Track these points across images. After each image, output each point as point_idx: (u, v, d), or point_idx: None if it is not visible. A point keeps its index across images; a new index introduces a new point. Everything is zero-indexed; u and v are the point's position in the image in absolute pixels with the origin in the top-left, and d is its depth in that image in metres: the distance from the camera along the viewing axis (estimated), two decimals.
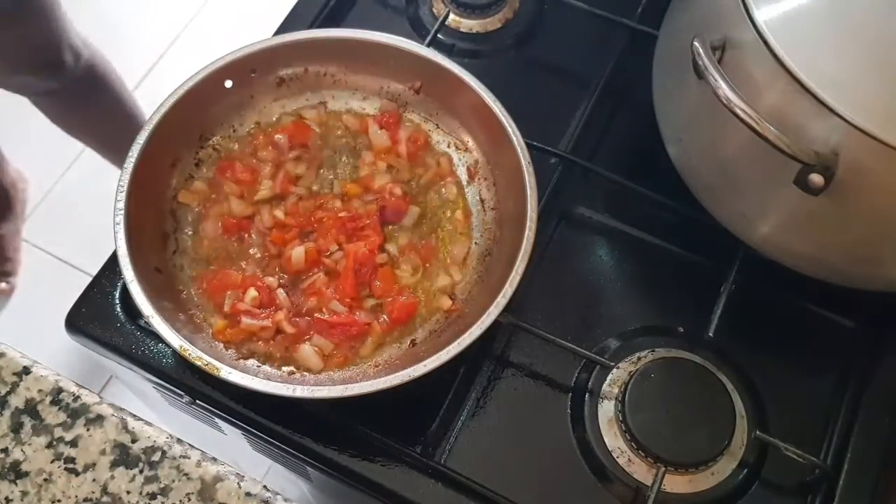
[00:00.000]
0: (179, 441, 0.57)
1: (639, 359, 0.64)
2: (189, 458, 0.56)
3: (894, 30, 0.54)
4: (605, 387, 0.64)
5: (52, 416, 0.58)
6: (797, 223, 0.60)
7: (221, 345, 0.61)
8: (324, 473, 0.62)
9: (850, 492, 0.60)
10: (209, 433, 0.74)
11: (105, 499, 0.55)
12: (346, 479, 0.61)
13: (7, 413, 0.58)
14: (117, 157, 1.44)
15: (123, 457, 0.56)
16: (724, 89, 0.53)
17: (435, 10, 0.82)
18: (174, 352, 0.57)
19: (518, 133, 0.65)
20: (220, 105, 0.69)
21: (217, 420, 0.65)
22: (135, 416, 0.58)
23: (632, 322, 0.68)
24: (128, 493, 0.55)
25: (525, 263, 0.59)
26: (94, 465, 0.56)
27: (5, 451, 0.56)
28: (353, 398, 0.56)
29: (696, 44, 0.56)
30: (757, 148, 0.54)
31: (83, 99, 1.26)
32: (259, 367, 0.61)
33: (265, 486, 0.56)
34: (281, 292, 0.63)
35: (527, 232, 0.60)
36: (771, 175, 0.57)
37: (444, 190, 0.69)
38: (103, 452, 0.57)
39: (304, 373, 0.61)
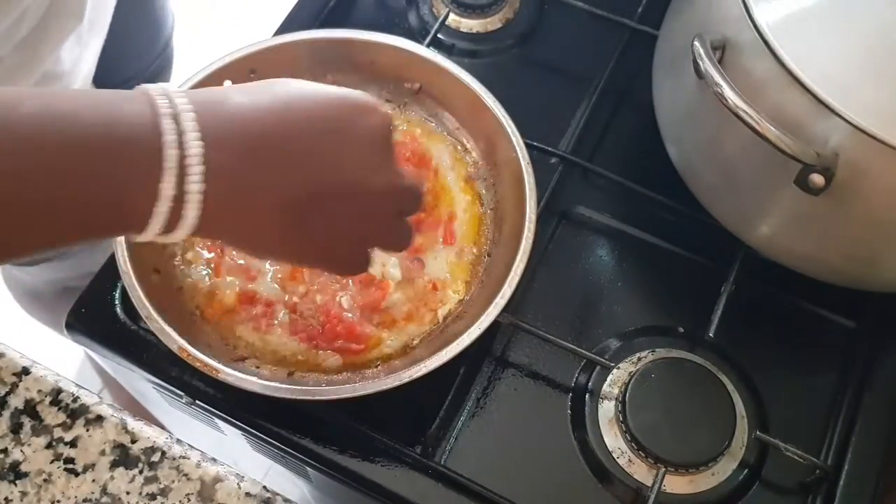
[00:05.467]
0: (179, 441, 0.57)
1: (639, 359, 0.64)
2: (189, 458, 0.56)
3: (894, 30, 0.54)
4: (605, 387, 0.64)
5: (52, 416, 0.58)
6: (797, 223, 0.60)
7: (220, 343, 0.61)
8: (324, 474, 0.62)
9: (851, 492, 0.60)
10: (209, 433, 0.74)
11: (105, 499, 0.55)
12: (346, 479, 0.61)
13: (7, 413, 0.58)
14: None
15: (123, 457, 0.56)
16: (724, 89, 0.53)
17: (435, 10, 0.82)
18: (173, 352, 0.57)
19: (517, 133, 0.65)
20: None
21: (217, 420, 0.65)
22: (134, 416, 0.58)
23: (632, 322, 0.67)
24: (127, 493, 0.55)
25: (524, 264, 0.59)
26: (94, 465, 0.56)
27: (5, 451, 0.56)
28: (353, 399, 0.56)
29: (696, 44, 0.56)
30: (757, 148, 0.54)
31: None
32: (258, 368, 0.61)
33: (265, 487, 0.56)
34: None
35: (526, 232, 0.60)
36: (771, 175, 0.57)
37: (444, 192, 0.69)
38: (103, 453, 0.57)
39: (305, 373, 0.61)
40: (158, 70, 1.05)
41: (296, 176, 0.43)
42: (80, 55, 0.74)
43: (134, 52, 0.98)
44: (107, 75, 0.82)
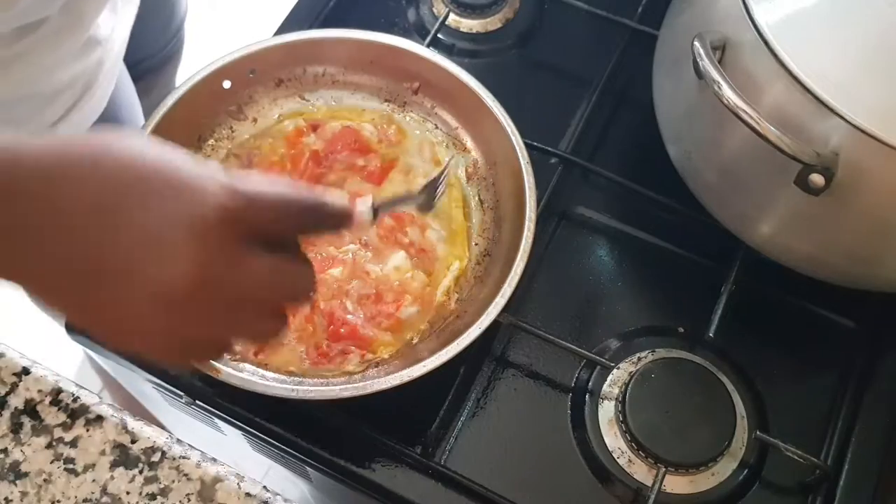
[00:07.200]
0: (179, 441, 0.57)
1: (639, 359, 0.64)
2: (189, 458, 0.56)
3: (894, 30, 0.54)
4: (605, 387, 0.64)
5: (52, 416, 0.58)
6: (797, 223, 0.60)
7: None
8: (324, 474, 0.62)
9: (851, 492, 0.60)
10: (209, 433, 0.74)
11: (105, 499, 0.55)
12: (345, 479, 0.61)
13: (7, 413, 0.58)
14: None
15: (123, 457, 0.56)
16: (724, 89, 0.53)
17: (435, 10, 0.82)
18: None
19: (517, 133, 0.65)
20: (218, 106, 0.69)
21: (217, 420, 0.65)
22: (134, 416, 0.58)
23: (632, 322, 0.67)
24: (127, 493, 0.55)
25: (524, 263, 0.59)
26: (94, 465, 0.56)
27: (5, 451, 0.56)
28: (353, 398, 0.56)
29: (696, 44, 0.56)
30: (757, 148, 0.54)
31: None
32: (258, 368, 0.61)
33: (265, 487, 0.56)
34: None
35: (525, 232, 0.60)
36: (771, 175, 0.57)
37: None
38: (103, 453, 0.56)
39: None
40: (170, 54, 1.06)
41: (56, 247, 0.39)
42: (115, 24, 0.75)
43: (148, 35, 1.00)
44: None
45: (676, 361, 0.63)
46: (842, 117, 0.51)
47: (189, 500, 0.55)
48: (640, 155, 0.75)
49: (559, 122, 0.76)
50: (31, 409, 0.58)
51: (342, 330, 0.62)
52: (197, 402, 0.63)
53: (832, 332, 0.68)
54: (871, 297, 0.65)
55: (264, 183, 0.42)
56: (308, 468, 0.64)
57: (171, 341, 0.42)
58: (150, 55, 1.03)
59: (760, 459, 0.62)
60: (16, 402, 0.58)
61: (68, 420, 0.57)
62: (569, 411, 0.64)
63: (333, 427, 0.62)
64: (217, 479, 0.56)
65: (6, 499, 0.55)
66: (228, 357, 0.61)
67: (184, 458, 0.56)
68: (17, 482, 0.55)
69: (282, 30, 0.79)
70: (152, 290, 0.39)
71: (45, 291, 0.41)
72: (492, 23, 0.82)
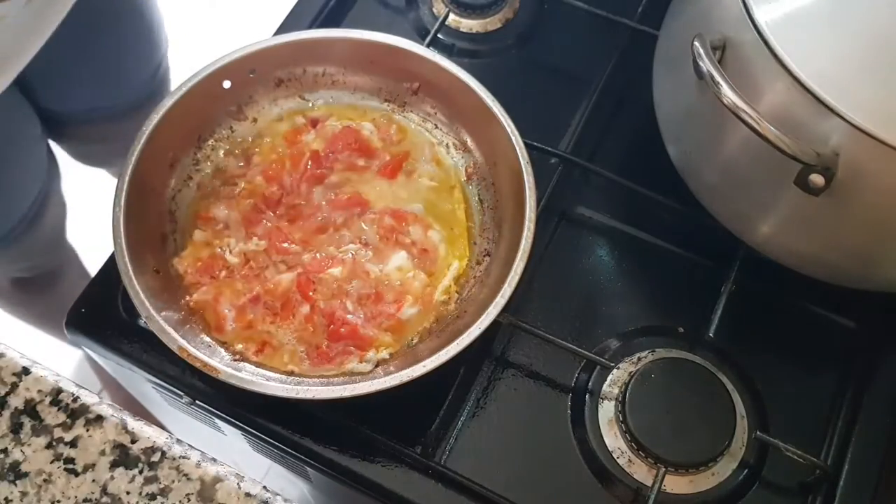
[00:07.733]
0: (179, 441, 0.57)
1: (639, 359, 0.64)
2: (189, 458, 0.56)
3: (894, 30, 0.54)
4: (605, 387, 0.64)
5: (52, 416, 0.58)
6: (798, 223, 0.60)
7: (222, 349, 0.61)
8: (323, 474, 0.62)
9: (851, 492, 0.60)
10: (209, 433, 0.74)
11: (105, 499, 0.55)
12: (345, 479, 0.61)
13: (6, 413, 0.58)
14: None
15: (123, 457, 0.56)
16: (724, 89, 0.53)
17: (435, 10, 0.82)
18: (173, 352, 0.57)
19: (517, 133, 0.65)
20: (218, 106, 0.69)
21: (217, 420, 0.65)
22: (134, 416, 0.58)
23: (632, 322, 0.68)
24: (127, 493, 0.55)
25: (524, 263, 0.59)
26: (94, 465, 0.56)
27: (5, 451, 0.56)
28: (353, 398, 0.56)
29: (696, 44, 0.56)
30: (757, 148, 0.54)
31: None
32: (258, 368, 0.61)
33: (265, 487, 0.56)
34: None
35: (525, 232, 0.60)
36: (771, 175, 0.57)
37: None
38: (103, 453, 0.57)
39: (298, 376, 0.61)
40: (156, 91, 1.06)
41: None
42: None
43: (132, 81, 1.00)
44: (106, 101, 0.82)
45: (676, 361, 0.63)
46: (842, 117, 0.51)
47: (189, 500, 0.55)
48: (640, 155, 0.75)
49: (559, 122, 0.76)
50: (31, 409, 0.58)
51: (342, 330, 0.62)
52: (197, 402, 0.63)
53: (832, 332, 0.68)
54: (871, 297, 0.65)
55: None
56: (308, 468, 0.64)
57: None
58: (133, 100, 1.03)
59: (760, 459, 0.62)
60: (16, 402, 0.58)
61: (68, 420, 0.57)
62: (569, 411, 0.64)
63: (333, 427, 0.62)
64: (217, 479, 0.56)
65: (6, 499, 0.55)
66: (228, 357, 0.61)
67: (184, 458, 0.56)
68: (17, 482, 0.55)
69: (282, 30, 0.79)
70: None
71: None
72: (492, 23, 0.82)
